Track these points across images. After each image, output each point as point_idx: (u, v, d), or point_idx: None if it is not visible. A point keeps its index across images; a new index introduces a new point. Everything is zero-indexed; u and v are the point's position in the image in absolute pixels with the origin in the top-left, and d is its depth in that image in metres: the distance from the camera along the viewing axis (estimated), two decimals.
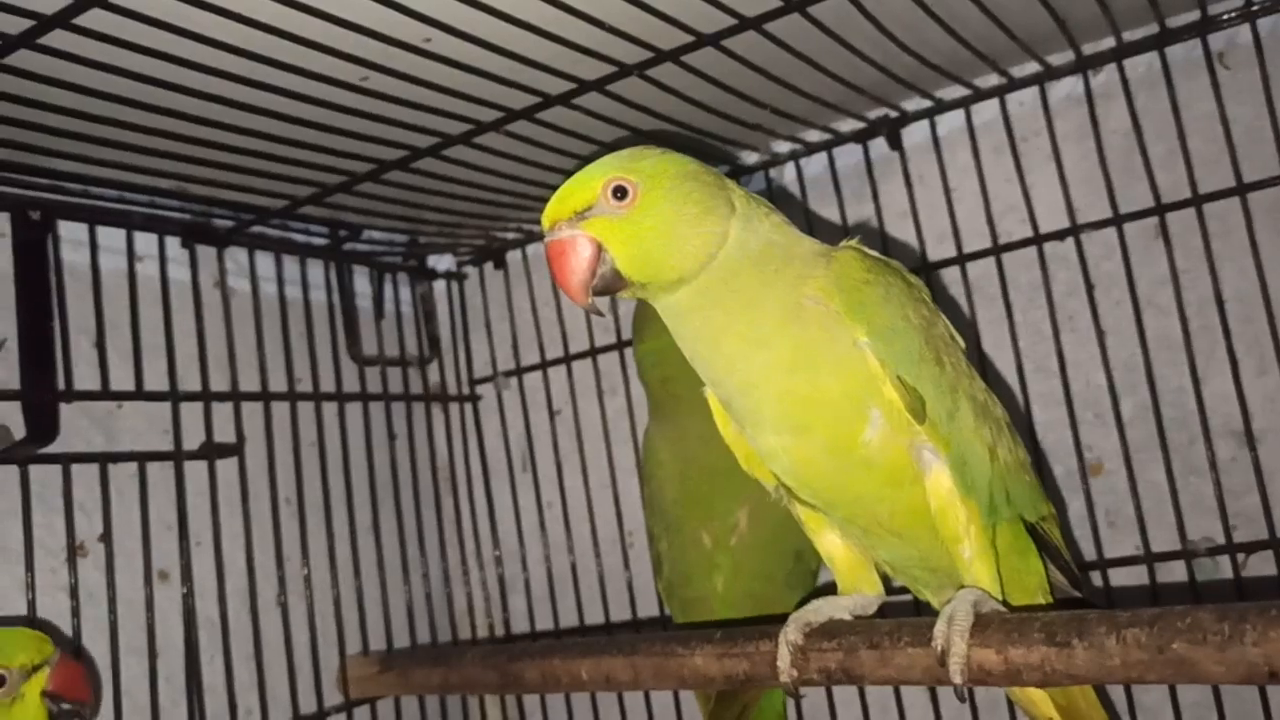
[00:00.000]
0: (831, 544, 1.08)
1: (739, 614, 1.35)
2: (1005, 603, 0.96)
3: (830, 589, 1.12)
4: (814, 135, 1.58)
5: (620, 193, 0.90)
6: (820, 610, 1.03)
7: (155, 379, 1.42)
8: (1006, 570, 1.00)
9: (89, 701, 1.16)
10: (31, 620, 1.26)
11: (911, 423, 0.93)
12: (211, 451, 1.46)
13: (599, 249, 0.90)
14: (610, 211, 0.90)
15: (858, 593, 1.07)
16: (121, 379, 1.39)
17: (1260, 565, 1.36)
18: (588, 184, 0.91)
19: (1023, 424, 1.46)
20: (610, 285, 0.91)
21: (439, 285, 1.95)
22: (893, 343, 0.92)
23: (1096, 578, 1.43)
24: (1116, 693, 1.38)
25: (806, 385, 0.92)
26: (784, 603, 1.33)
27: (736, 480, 1.22)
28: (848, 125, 1.56)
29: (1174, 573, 1.40)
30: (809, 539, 1.10)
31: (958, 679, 0.91)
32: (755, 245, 0.93)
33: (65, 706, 1.13)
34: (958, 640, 0.90)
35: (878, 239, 1.56)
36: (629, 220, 0.90)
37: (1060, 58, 1.45)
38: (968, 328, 1.49)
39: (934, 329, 0.98)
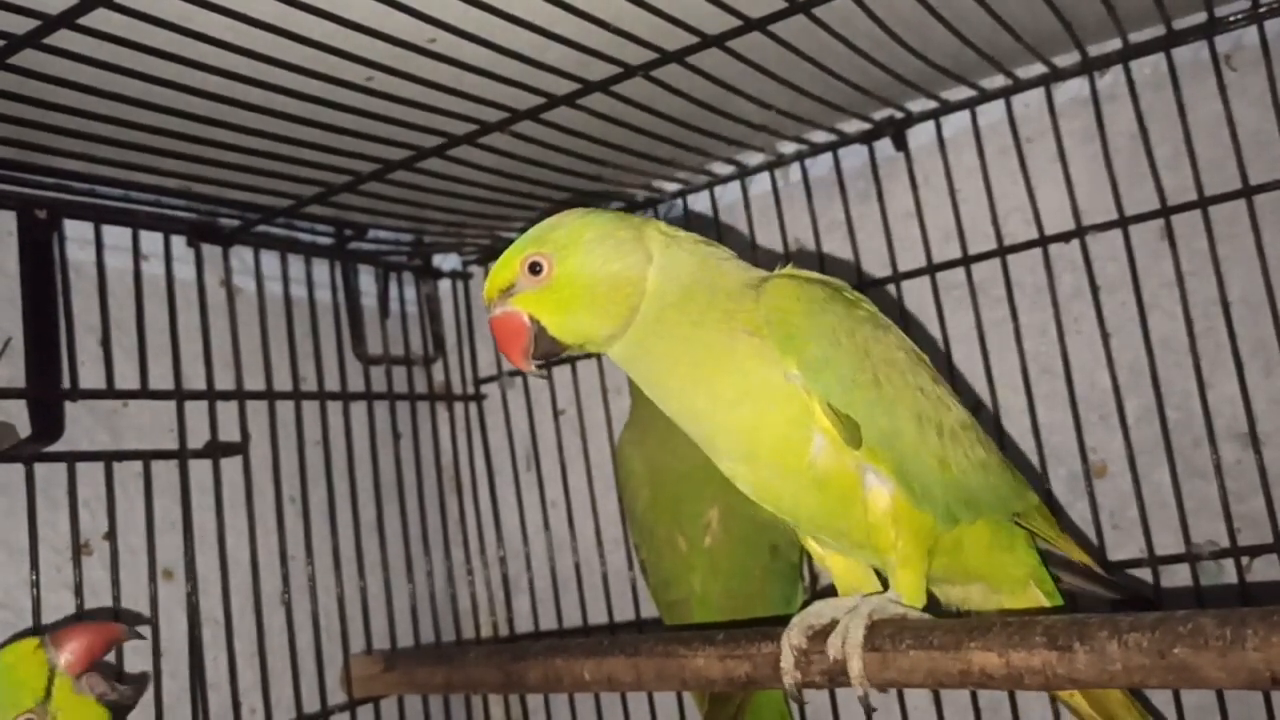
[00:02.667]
0: (824, 550, 1.10)
1: (720, 613, 1.35)
2: (929, 607, 1.00)
3: (830, 590, 1.13)
4: (819, 136, 1.58)
5: (535, 267, 0.96)
6: (822, 613, 1.03)
7: (160, 378, 1.42)
8: (990, 566, 1.05)
9: (100, 653, 1.10)
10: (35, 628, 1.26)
11: (848, 449, 0.96)
12: (216, 450, 1.46)
13: (531, 320, 0.96)
14: (531, 286, 0.96)
15: (857, 593, 1.07)
16: (127, 377, 1.39)
17: (1265, 569, 1.36)
18: (508, 263, 0.97)
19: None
20: (551, 350, 0.98)
21: (444, 285, 1.95)
22: (823, 373, 0.95)
23: None
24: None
25: (750, 417, 0.96)
26: (765, 598, 1.34)
27: (705, 481, 1.23)
28: (853, 126, 1.56)
29: (1178, 576, 1.40)
30: (786, 534, 1.10)
31: (861, 691, 0.96)
32: (677, 289, 0.96)
33: (100, 690, 1.08)
34: (853, 659, 0.95)
35: (882, 239, 1.56)
36: (549, 291, 0.96)
37: (1066, 59, 1.44)
38: (972, 329, 1.49)
39: (874, 349, 0.99)
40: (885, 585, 1.07)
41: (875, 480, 0.97)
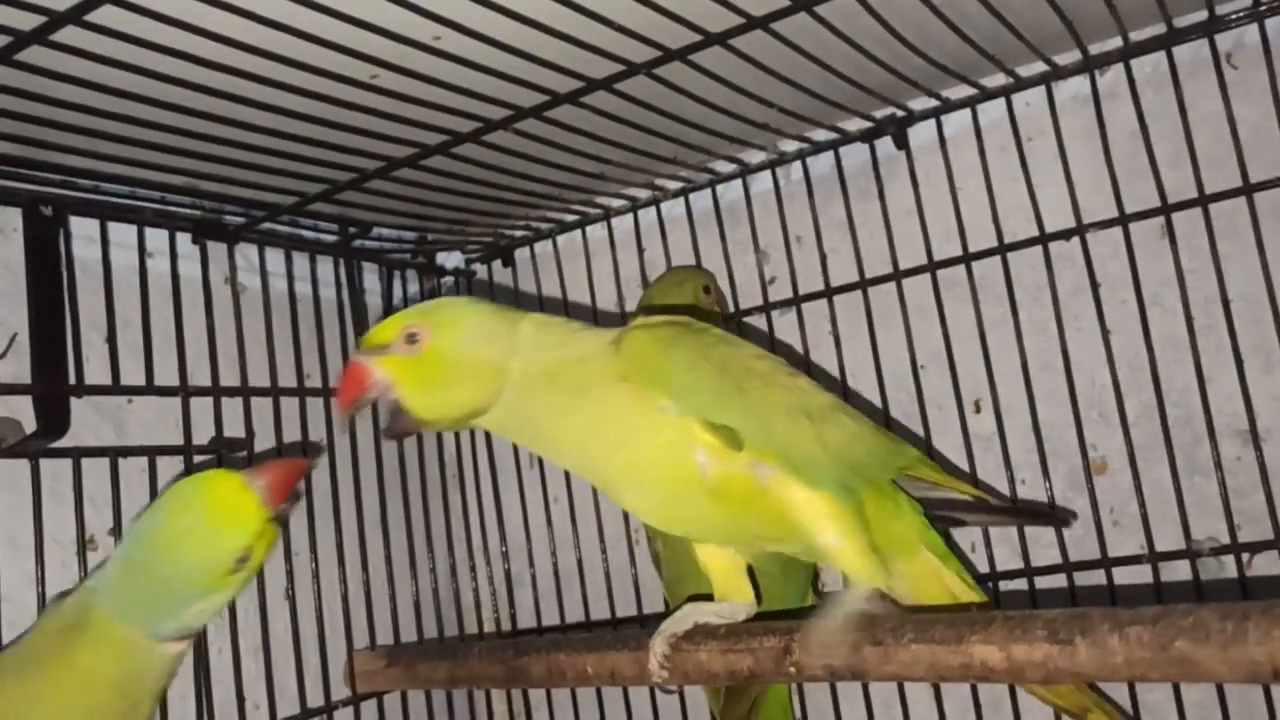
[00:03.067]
0: (708, 554, 1.17)
1: None
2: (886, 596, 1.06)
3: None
4: (821, 134, 1.59)
5: (412, 337, 1.02)
6: (685, 619, 1.13)
7: (165, 374, 1.43)
8: (881, 536, 1.10)
9: (294, 487, 1.11)
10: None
11: (733, 452, 1.03)
12: (221, 446, 1.46)
13: (384, 382, 1.03)
14: (403, 352, 1.02)
15: (728, 601, 1.16)
16: (132, 374, 1.40)
17: (1265, 565, 1.37)
18: (390, 326, 1.04)
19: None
20: (404, 430, 1.05)
21: (448, 282, 1.95)
22: (690, 396, 1.03)
23: (1100, 576, 1.43)
24: (1121, 691, 1.39)
25: (638, 451, 1.04)
26: (783, 596, 1.34)
27: None
28: (854, 124, 1.57)
29: (1178, 572, 1.41)
30: None
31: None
32: (547, 365, 1.04)
33: (285, 514, 1.10)
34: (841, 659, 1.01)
35: (884, 237, 1.57)
36: (417, 363, 1.02)
37: (1067, 57, 1.45)
38: (972, 326, 1.49)
39: (730, 364, 1.07)
40: (756, 587, 1.17)
41: (769, 470, 1.04)
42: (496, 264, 1.93)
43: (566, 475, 1.78)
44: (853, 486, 1.07)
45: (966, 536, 1.53)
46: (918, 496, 1.18)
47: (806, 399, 1.09)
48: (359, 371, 1.03)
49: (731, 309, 1.68)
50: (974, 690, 1.46)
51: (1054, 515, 1.44)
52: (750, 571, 1.18)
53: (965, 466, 1.50)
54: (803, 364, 1.62)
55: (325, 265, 1.70)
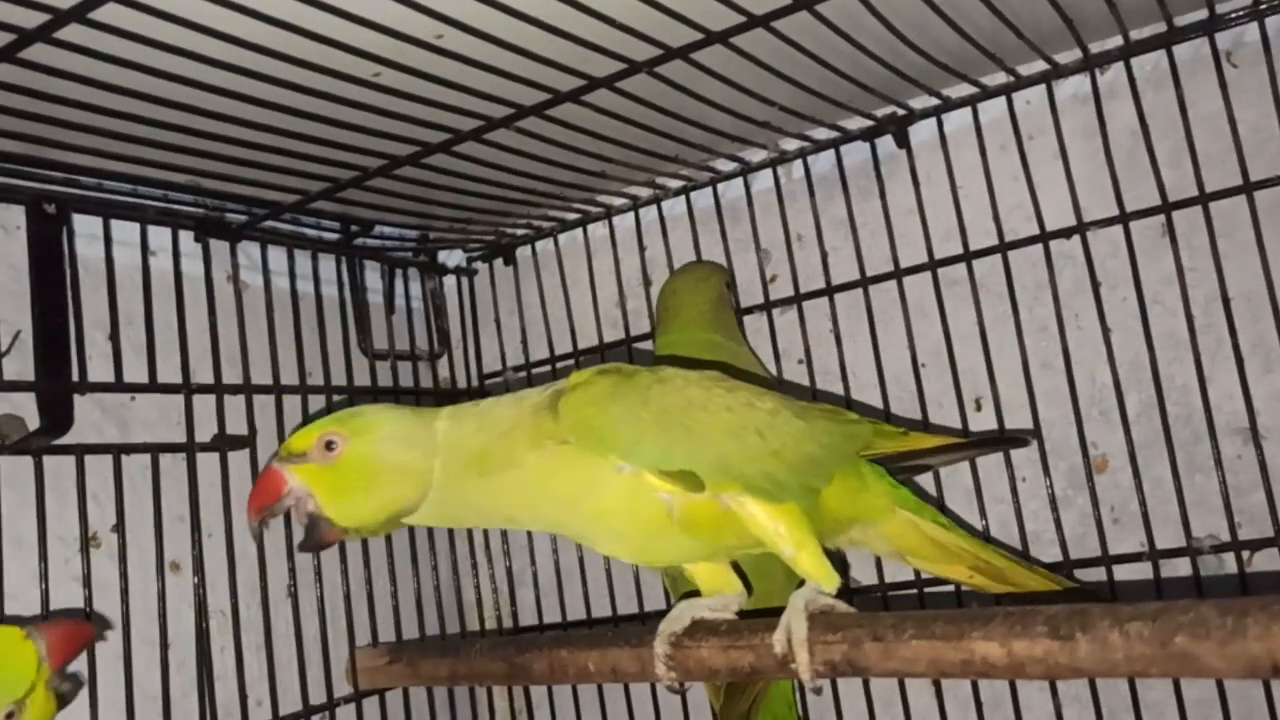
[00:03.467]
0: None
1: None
2: (840, 593, 1.07)
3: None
4: (822, 133, 1.59)
5: (330, 445, 1.02)
6: (681, 617, 1.13)
7: (168, 371, 1.43)
8: (852, 509, 1.14)
9: (78, 651, 1.12)
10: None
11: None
12: (224, 443, 1.47)
13: (302, 491, 1.02)
14: (320, 460, 1.02)
15: (719, 595, 1.16)
16: (135, 371, 1.40)
17: (1265, 562, 1.37)
18: (308, 434, 1.03)
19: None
20: (324, 540, 1.04)
21: (449, 281, 1.96)
22: (640, 451, 1.03)
23: (1101, 573, 1.43)
24: (1121, 688, 1.39)
25: (597, 506, 1.04)
26: (785, 596, 1.34)
27: None
28: (855, 123, 1.57)
29: (1178, 570, 1.41)
30: None
31: (811, 684, 1.03)
32: (464, 461, 1.04)
33: (65, 686, 1.09)
34: (800, 652, 1.02)
35: (884, 236, 1.57)
36: (334, 470, 1.02)
37: (1067, 56, 1.45)
38: (973, 324, 1.50)
39: (669, 403, 1.05)
40: (746, 581, 1.19)
41: (731, 500, 1.05)
42: (498, 262, 1.93)
43: None
44: (815, 485, 1.09)
45: None
46: (882, 455, 1.20)
47: (751, 414, 1.08)
48: (274, 479, 1.03)
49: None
50: (974, 687, 1.46)
51: (1010, 439, 1.45)
52: (735, 564, 1.19)
53: (966, 463, 1.50)
54: (803, 362, 1.63)
55: (327, 263, 1.70)
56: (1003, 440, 1.46)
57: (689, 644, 1.12)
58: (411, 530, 1.74)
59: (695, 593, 1.20)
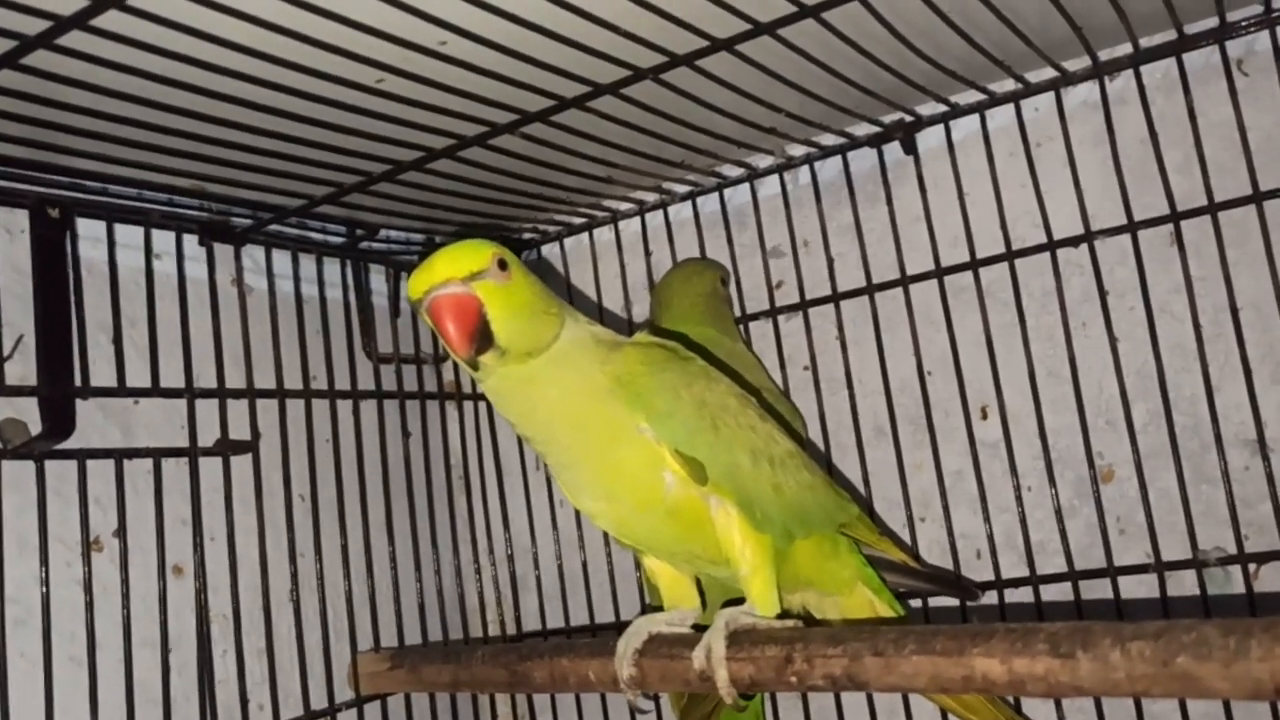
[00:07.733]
0: (656, 564, 1.22)
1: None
2: (787, 613, 1.12)
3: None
4: (828, 139, 1.58)
5: (503, 265, 1.02)
6: (639, 633, 1.16)
7: (172, 376, 1.43)
8: (819, 573, 1.22)
9: None
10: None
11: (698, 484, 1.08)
12: (226, 448, 1.47)
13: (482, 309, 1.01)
14: (497, 278, 1.01)
15: (676, 609, 1.21)
16: (138, 375, 1.40)
17: (1272, 576, 1.36)
18: (479, 251, 1.02)
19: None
20: (481, 348, 1.02)
21: None
22: (668, 424, 1.07)
23: (1106, 586, 1.42)
24: (1125, 700, 1.38)
25: (610, 462, 1.08)
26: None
27: None
28: (862, 129, 1.56)
29: (1184, 582, 1.40)
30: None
31: (729, 700, 1.07)
32: (575, 338, 1.08)
33: None
34: (719, 670, 1.06)
35: (891, 242, 1.56)
36: (509, 290, 1.02)
37: (1076, 63, 1.44)
38: (980, 332, 1.49)
39: (709, 398, 1.11)
40: (702, 596, 1.23)
41: (718, 505, 1.10)
42: None
43: None
44: (794, 533, 1.14)
45: (972, 545, 1.53)
46: (854, 539, 1.28)
47: (772, 445, 1.14)
48: (469, 302, 1.00)
49: (737, 311, 1.67)
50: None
51: (960, 585, 1.48)
52: (697, 581, 1.24)
53: (971, 472, 1.50)
54: (809, 369, 1.62)
55: (332, 267, 1.70)
56: (959, 586, 1.47)
57: (646, 660, 1.15)
58: (414, 532, 1.74)
59: (659, 607, 1.23)
